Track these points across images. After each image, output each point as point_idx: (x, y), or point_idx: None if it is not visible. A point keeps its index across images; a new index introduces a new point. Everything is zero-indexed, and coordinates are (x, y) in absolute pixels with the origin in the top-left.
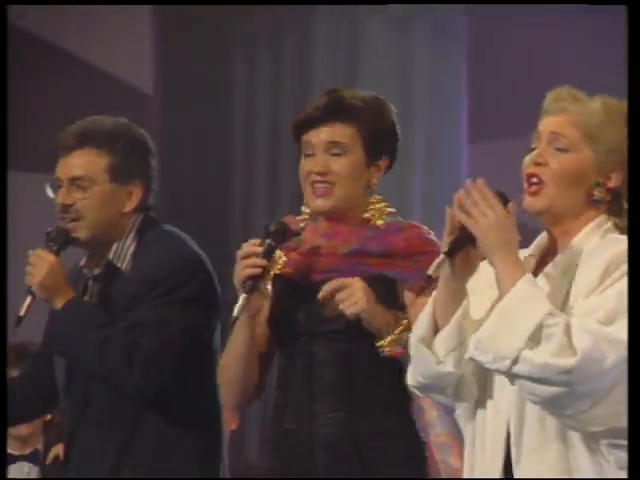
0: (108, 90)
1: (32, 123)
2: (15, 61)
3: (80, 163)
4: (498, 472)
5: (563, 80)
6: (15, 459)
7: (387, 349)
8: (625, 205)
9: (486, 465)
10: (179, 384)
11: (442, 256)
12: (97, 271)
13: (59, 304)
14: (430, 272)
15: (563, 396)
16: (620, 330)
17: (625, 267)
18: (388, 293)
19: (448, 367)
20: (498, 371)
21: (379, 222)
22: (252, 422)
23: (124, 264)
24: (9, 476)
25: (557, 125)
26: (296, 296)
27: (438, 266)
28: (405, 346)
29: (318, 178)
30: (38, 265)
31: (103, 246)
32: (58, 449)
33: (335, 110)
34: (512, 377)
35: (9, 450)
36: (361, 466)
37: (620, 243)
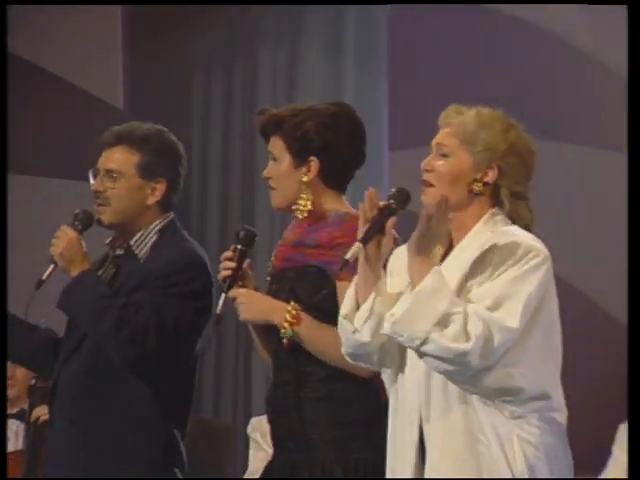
0: (85, 105)
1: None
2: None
3: (115, 158)
4: (416, 429)
5: (477, 90)
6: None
7: (284, 340)
8: (505, 196)
9: (405, 423)
10: (158, 364)
11: (357, 243)
12: (118, 252)
13: (74, 273)
14: (347, 256)
15: (461, 371)
16: (505, 316)
17: (511, 260)
18: (321, 279)
19: (365, 337)
20: (410, 347)
21: (299, 215)
22: (207, 382)
23: (142, 252)
24: None
25: (441, 137)
26: (271, 281)
27: (354, 251)
28: (290, 338)
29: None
30: (61, 238)
31: (127, 232)
32: (41, 410)
33: (268, 126)
34: (421, 354)
35: None
36: (302, 428)
37: (506, 238)
